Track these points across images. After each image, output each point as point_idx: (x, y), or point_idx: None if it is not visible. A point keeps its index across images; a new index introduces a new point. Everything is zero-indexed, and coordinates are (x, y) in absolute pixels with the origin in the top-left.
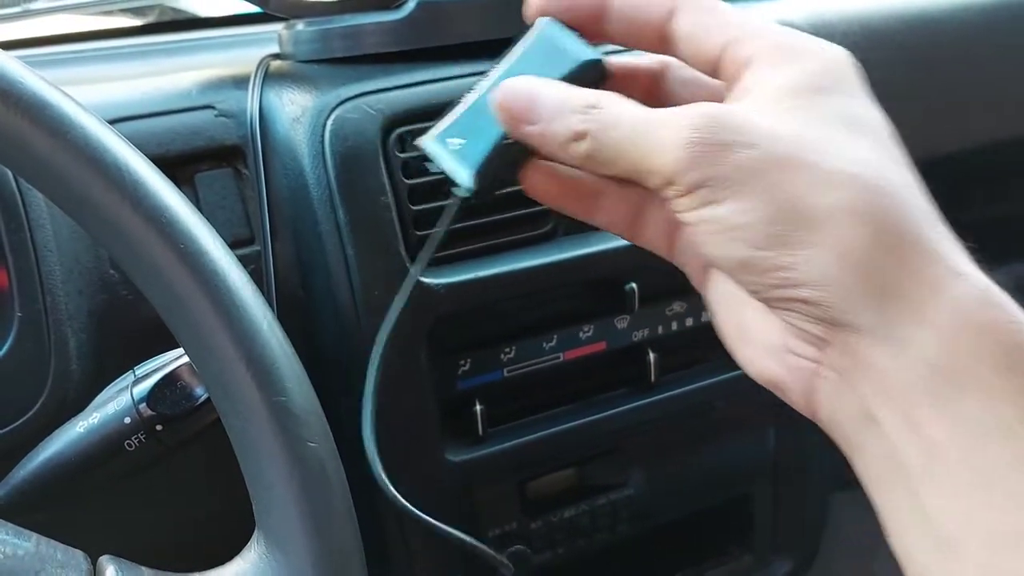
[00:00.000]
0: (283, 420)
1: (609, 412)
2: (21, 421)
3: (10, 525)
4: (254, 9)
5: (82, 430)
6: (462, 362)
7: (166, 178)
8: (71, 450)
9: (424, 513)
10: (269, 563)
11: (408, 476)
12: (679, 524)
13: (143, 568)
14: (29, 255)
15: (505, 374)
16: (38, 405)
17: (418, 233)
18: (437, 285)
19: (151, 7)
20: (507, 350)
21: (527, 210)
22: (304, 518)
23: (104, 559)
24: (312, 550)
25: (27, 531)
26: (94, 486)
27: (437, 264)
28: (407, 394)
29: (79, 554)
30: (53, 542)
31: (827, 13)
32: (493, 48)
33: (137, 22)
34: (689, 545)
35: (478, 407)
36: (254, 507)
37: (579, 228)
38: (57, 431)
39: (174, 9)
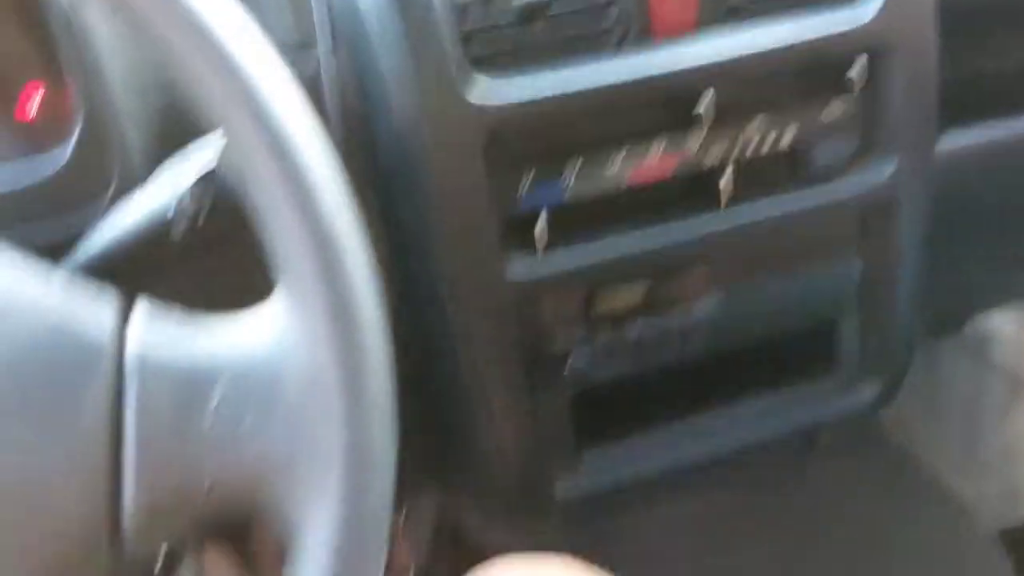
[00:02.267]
0: (299, 185)
1: (678, 234)
2: (90, 213)
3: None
4: None
5: (131, 214)
6: (525, 176)
7: None
8: (122, 232)
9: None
10: (287, 311)
11: (469, 292)
12: (755, 348)
13: (171, 309)
14: (91, 52)
15: (569, 192)
16: (105, 200)
17: (471, 50)
18: (489, 104)
19: None
20: (572, 164)
21: (589, 25)
22: (320, 266)
23: (136, 298)
24: (328, 300)
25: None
26: (141, 271)
27: (493, 80)
28: (468, 209)
29: (113, 292)
30: (88, 280)
31: None
32: None
33: None
34: (765, 369)
35: (540, 225)
36: (273, 263)
37: (646, 42)
38: (103, 221)
39: None
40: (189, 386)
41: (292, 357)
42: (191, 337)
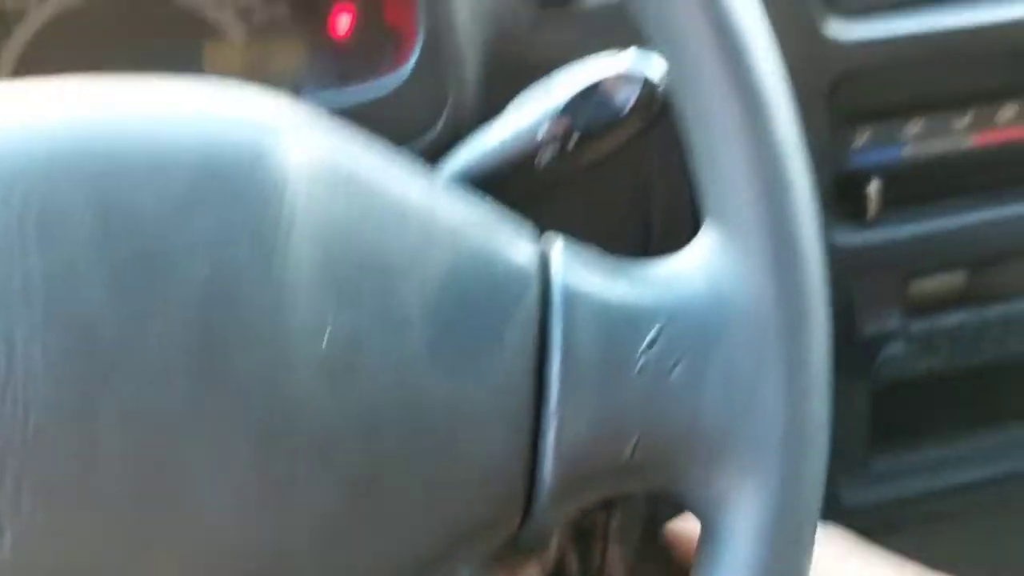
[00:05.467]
0: (755, 98)
1: (1020, 209)
2: (421, 140)
3: (468, 191)
4: None
5: (495, 140)
6: (861, 132)
7: None
8: (484, 160)
9: None
10: (722, 253)
11: None
12: None
13: (590, 249)
14: None
15: (906, 152)
16: (438, 127)
17: None
18: (847, 38)
19: None
20: (913, 124)
21: None
22: (767, 205)
23: (551, 235)
24: (774, 238)
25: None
26: (505, 202)
27: (844, 12)
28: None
29: (529, 226)
30: (506, 212)
31: None
32: None
33: None
34: None
35: (874, 185)
36: (705, 198)
37: None
38: (470, 140)
39: None
40: (618, 323)
41: (729, 305)
42: (616, 273)
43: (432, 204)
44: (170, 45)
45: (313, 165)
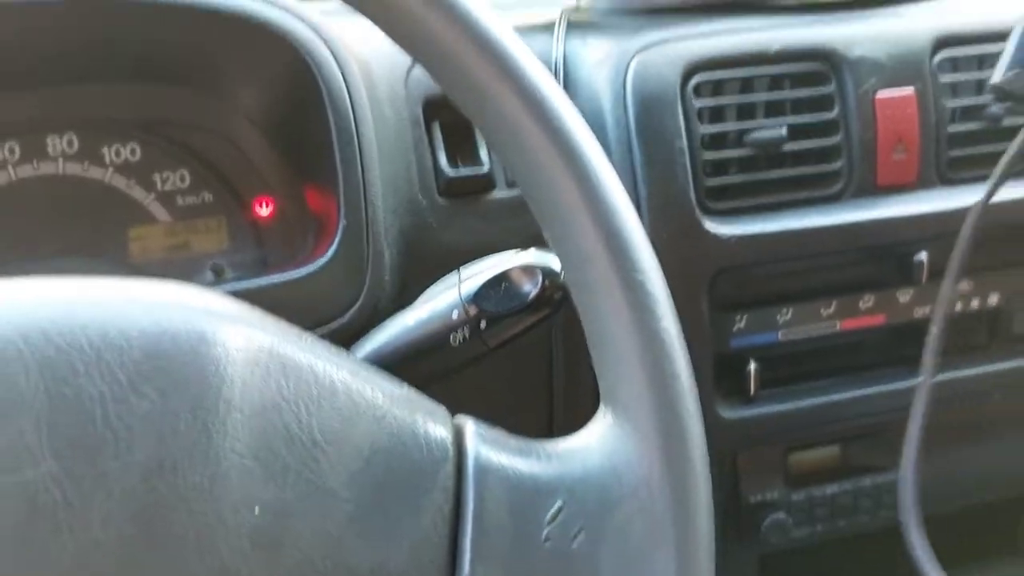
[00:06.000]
0: (639, 296)
1: (884, 388)
2: (338, 322)
3: (386, 373)
4: None
5: (412, 321)
6: (738, 319)
7: (541, 65)
8: (401, 339)
9: None
10: (617, 433)
11: None
12: (947, 517)
13: (498, 429)
14: (357, 169)
15: (780, 336)
16: (354, 309)
17: (708, 182)
18: (724, 235)
19: None
20: (784, 312)
21: (816, 168)
22: (654, 391)
23: (462, 416)
24: (661, 420)
25: (399, 380)
26: (416, 381)
27: (723, 215)
28: (685, 344)
29: (443, 408)
30: (421, 394)
31: None
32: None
33: None
34: (954, 541)
35: (752, 366)
36: (601, 382)
37: (868, 192)
38: (387, 322)
39: None
40: (525, 495)
41: (624, 479)
42: (523, 450)
43: (357, 384)
44: (96, 226)
45: (250, 350)
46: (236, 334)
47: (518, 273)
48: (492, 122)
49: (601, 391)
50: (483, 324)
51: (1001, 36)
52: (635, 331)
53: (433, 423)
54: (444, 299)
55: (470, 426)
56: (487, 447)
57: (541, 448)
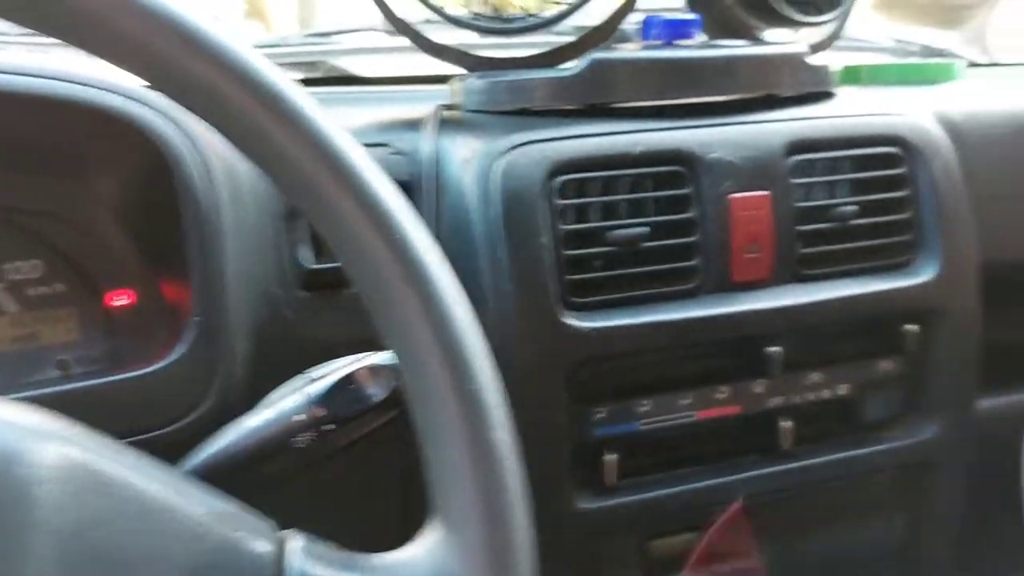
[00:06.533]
0: (472, 407)
1: (740, 476)
2: (186, 420)
3: (214, 489)
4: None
5: (255, 424)
6: (598, 410)
7: (382, 172)
8: (243, 442)
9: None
10: (445, 546)
11: (535, 518)
12: None
13: (327, 544)
14: (212, 263)
15: (639, 427)
16: (204, 406)
17: (569, 277)
18: (583, 328)
19: (315, 64)
20: (643, 403)
21: (674, 264)
22: (483, 503)
23: (290, 532)
24: (488, 533)
25: (228, 495)
26: (260, 482)
27: (583, 309)
28: (543, 435)
29: (271, 524)
30: (250, 509)
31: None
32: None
33: (300, 76)
34: None
35: (610, 456)
36: (432, 491)
37: (724, 288)
38: (231, 424)
39: (336, 68)
40: None
41: None
42: (349, 564)
43: (176, 500)
44: None
45: (64, 468)
46: (49, 452)
47: (365, 374)
48: (330, 229)
49: (432, 502)
50: (328, 426)
51: (851, 142)
52: (466, 442)
53: (256, 539)
54: (290, 401)
55: (294, 541)
56: (312, 562)
57: (367, 562)
